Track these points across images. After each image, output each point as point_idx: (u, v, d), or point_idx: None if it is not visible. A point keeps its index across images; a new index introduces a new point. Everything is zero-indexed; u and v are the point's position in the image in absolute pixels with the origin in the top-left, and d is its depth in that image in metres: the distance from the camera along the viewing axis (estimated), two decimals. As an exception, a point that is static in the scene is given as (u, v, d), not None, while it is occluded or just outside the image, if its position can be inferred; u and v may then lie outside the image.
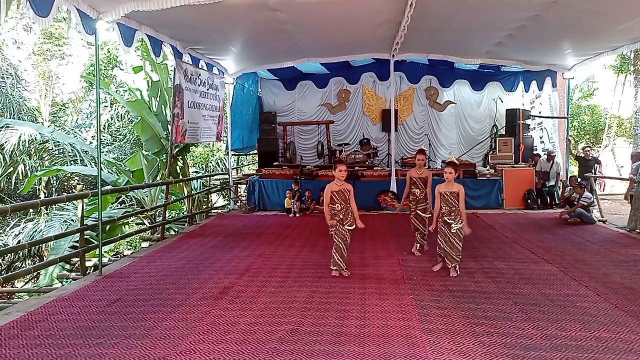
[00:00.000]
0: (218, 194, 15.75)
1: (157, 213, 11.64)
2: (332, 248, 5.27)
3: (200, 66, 9.42)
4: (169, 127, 10.40)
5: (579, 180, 9.62)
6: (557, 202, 10.76)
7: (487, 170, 11.26)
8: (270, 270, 5.61)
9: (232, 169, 12.51)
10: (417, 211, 6.22)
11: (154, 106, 13.05)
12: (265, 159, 12.73)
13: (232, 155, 12.51)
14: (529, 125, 12.38)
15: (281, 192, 10.84)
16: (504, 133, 12.54)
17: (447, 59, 10.74)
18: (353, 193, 5.33)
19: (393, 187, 10.54)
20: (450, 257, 5.22)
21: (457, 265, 5.24)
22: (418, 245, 6.32)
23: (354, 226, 5.27)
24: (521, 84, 13.18)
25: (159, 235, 8.60)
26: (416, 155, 6.25)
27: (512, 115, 12.09)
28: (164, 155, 12.12)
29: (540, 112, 12.52)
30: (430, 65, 13.15)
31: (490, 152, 12.59)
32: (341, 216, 5.21)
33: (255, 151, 14.02)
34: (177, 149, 12.15)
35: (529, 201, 10.44)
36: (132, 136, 18.26)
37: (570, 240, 7.15)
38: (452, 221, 5.16)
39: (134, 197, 13.73)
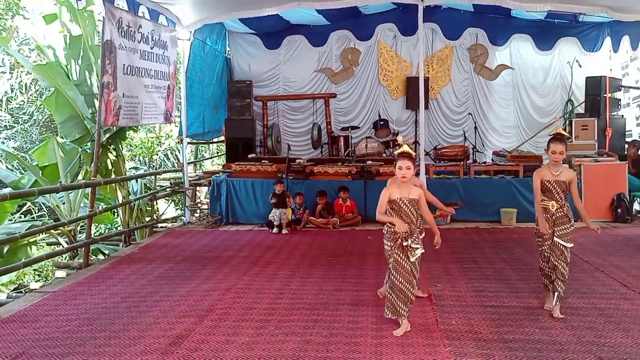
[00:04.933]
0: (168, 201, 15.69)
1: (78, 228, 11.59)
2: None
3: (140, 14, 9.39)
4: (96, 103, 10.36)
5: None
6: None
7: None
8: (243, 311, 5.58)
9: (188, 164, 12.49)
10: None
11: (73, 73, 12.99)
12: (236, 150, 12.74)
13: (188, 144, 12.50)
14: (620, 100, 12.42)
15: (260, 197, 10.83)
16: (582, 112, 12.58)
17: (501, 4, 10.73)
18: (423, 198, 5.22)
19: (422, 190, 10.53)
20: (402, 302, 4.94)
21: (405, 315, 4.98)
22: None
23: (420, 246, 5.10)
24: (608, 40, 13.23)
25: (81, 261, 8.56)
26: (549, 145, 5.64)
27: (595, 86, 12.14)
28: (89, 144, 12.08)
29: (637, 82, 12.57)
30: (476, 14, 13.20)
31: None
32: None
33: (222, 138, 14.02)
34: (107, 135, 12.11)
35: (619, 210, 10.46)
36: (41, 116, 18.19)
37: (679, 267, 7.15)
38: (417, 245, 4.96)
39: (44, 204, 13.67)
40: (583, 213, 5.54)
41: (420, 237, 5.06)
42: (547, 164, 5.51)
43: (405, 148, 4.99)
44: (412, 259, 4.94)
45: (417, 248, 4.95)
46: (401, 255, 4.95)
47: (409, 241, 4.92)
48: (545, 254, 5.41)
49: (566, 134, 5.51)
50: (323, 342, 4.70)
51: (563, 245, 5.32)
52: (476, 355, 4.39)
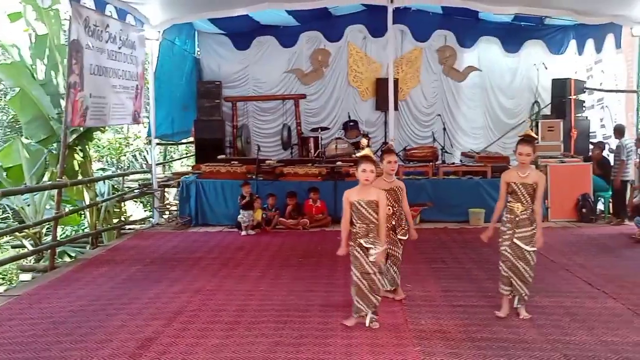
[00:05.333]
0: (136, 202, 15.54)
1: (43, 231, 11.42)
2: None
3: (108, 13, 9.28)
4: (62, 104, 10.22)
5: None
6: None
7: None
8: (212, 313, 5.56)
9: (157, 165, 12.39)
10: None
11: (39, 72, 12.82)
12: (205, 151, 12.66)
13: (157, 144, 12.39)
14: (584, 102, 12.64)
15: (229, 198, 10.77)
16: (548, 113, 12.77)
17: (469, 7, 10.86)
18: (405, 192, 5.86)
19: (392, 191, 10.60)
20: (366, 301, 5.06)
21: (375, 313, 5.10)
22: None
23: (407, 236, 5.80)
24: (573, 43, 13.48)
25: (47, 264, 8.44)
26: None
27: (561, 88, 12.35)
28: (55, 145, 11.91)
29: (601, 84, 12.81)
30: (445, 16, 13.33)
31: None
32: (393, 222, 5.66)
33: (191, 139, 13.93)
34: (74, 136, 11.95)
35: (584, 210, 10.64)
36: (6, 116, 17.89)
37: (642, 266, 7.31)
38: (371, 245, 5.03)
39: (8, 206, 13.45)
40: (538, 219, 5.32)
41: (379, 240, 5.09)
42: (516, 166, 5.48)
43: (367, 152, 5.17)
44: (370, 258, 5.01)
45: (370, 248, 4.99)
46: (360, 252, 5.04)
47: (362, 241, 5.03)
48: (506, 253, 5.34)
49: (534, 136, 5.50)
50: (293, 343, 4.70)
51: (524, 248, 5.27)
52: (445, 354, 4.42)
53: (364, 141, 11.47)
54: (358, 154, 5.39)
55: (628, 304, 5.66)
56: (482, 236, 5.60)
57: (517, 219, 5.29)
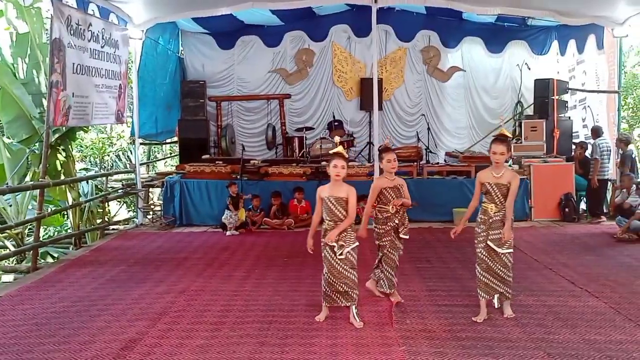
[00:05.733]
0: (120, 202, 15.45)
1: (26, 231, 11.32)
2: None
3: (90, 11, 9.22)
4: (44, 103, 10.14)
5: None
6: (604, 210, 11.11)
7: (509, 166, 11.50)
8: (197, 313, 5.55)
9: (141, 164, 12.33)
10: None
11: (20, 71, 12.71)
12: (189, 151, 12.62)
13: (141, 144, 12.32)
14: (567, 102, 12.75)
15: (214, 198, 10.76)
16: (531, 113, 12.87)
17: (453, 7, 10.91)
18: (406, 187, 5.91)
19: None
20: (338, 295, 5.16)
21: (354, 308, 5.16)
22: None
23: (408, 236, 5.88)
24: (555, 44, 13.60)
25: (30, 265, 8.37)
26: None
27: (544, 89, 12.42)
28: (37, 145, 11.82)
29: (583, 85, 12.91)
30: (428, 16, 13.38)
31: (513, 141, 12.87)
32: (396, 221, 5.73)
33: (175, 139, 13.87)
34: (56, 136, 11.86)
35: (566, 209, 10.74)
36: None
37: (624, 265, 7.37)
38: (335, 243, 5.12)
39: (-10, 207, 13.31)
40: (508, 213, 5.15)
41: (347, 237, 5.18)
42: (491, 166, 5.28)
43: (340, 149, 5.24)
44: (339, 257, 5.12)
45: (334, 246, 5.10)
46: (329, 251, 5.17)
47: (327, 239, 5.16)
48: (481, 255, 5.23)
49: (509, 135, 5.38)
50: (278, 343, 4.70)
51: (497, 251, 5.16)
52: (430, 353, 4.44)
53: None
54: (331, 151, 5.44)
55: (610, 302, 5.71)
56: (451, 232, 5.56)
57: (490, 220, 5.18)
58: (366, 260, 7.81)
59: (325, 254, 5.19)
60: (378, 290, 5.93)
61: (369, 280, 6.06)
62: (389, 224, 5.72)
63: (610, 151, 10.64)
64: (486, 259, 5.21)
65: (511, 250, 5.20)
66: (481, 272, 5.24)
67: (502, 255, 5.17)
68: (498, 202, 5.16)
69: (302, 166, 11.31)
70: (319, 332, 4.96)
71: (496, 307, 5.27)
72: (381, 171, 6.16)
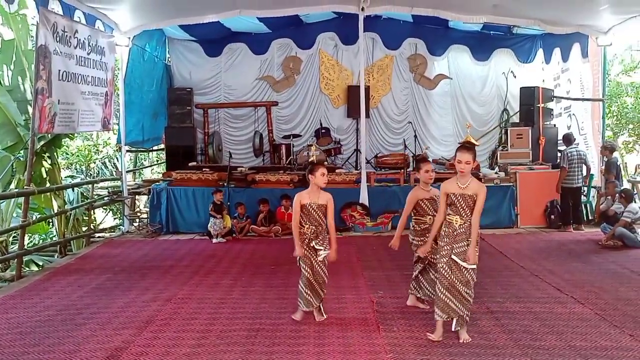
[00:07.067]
0: (106, 210, 15.36)
1: (10, 239, 11.22)
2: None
3: (76, 18, 9.18)
4: (30, 110, 10.08)
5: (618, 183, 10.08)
6: (589, 217, 11.20)
7: (495, 173, 11.58)
8: (184, 321, 5.53)
9: (127, 172, 12.27)
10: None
11: (5, 78, 12.62)
12: (176, 158, 12.59)
13: (127, 152, 12.27)
14: (552, 110, 12.85)
15: (201, 206, 10.74)
16: (517, 121, 12.95)
17: (439, 15, 10.99)
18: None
19: (363, 198, 10.65)
20: (316, 294, 5.41)
21: (321, 308, 5.51)
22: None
23: None
24: (540, 52, 13.72)
25: (14, 273, 8.30)
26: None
27: (529, 96, 12.52)
28: (22, 152, 11.73)
29: (568, 92, 13.03)
30: (415, 24, 13.46)
31: (500, 148, 12.95)
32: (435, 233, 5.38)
33: (162, 146, 13.83)
34: (42, 143, 11.78)
35: (552, 217, 10.81)
36: (-29, 123, 17.52)
37: (609, 272, 7.43)
38: (321, 247, 5.39)
39: (-26, 215, 13.18)
40: (473, 234, 4.79)
41: (327, 241, 5.43)
42: (456, 176, 4.95)
43: (323, 156, 5.47)
44: (319, 259, 5.37)
45: (320, 250, 5.34)
46: (310, 252, 5.39)
47: (313, 242, 5.38)
48: (443, 271, 4.89)
49: (475, 142, 4.99)
50: (265, 351, 4.69)
51: (461, 265, 4.82)
52: (417, 360, 4.45)
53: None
54: (311, 159, 5.70)
55: (596, 309, 5.76)
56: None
57: (454, 233, 4.87)
58: (354, 268, 7.84)
59: (308, 254, 5.39)
60: (421, 302, 5.86)
61: (409, 297, 5.98)
62: (427, 235, 5.55)
63: (580, 159, 10.57)
64: (447, 275, 4.85)
65: (474, 266, 4.84)
66: (442, 289, 4.88)
67: (465, 271, 4.81)
68: (463, 214, 4.84)
69: (289, 173, 11.30)
70: (306, 339, 4.95)
71: (453, 329, 4.90)
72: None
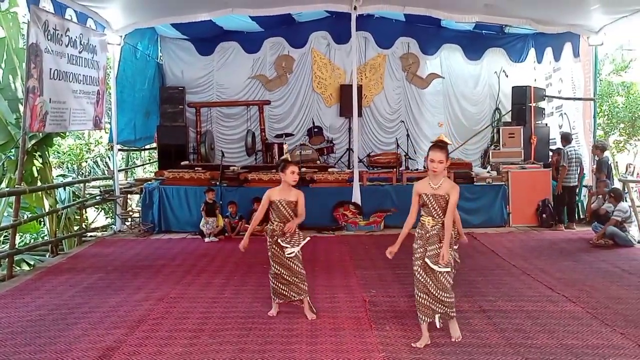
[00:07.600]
0: (97, 209, 15.31)
1: (1, 239, 11.17)
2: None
3: (68, 17, 9.15)
4: (21, 109, 10.04)
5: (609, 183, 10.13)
6: (581, 216, 11.25)
7: (487, 172, 11.61)
8: (176, 320, 5.52)
9: (119, 171, 12.23)
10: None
11: (-4, 77, 12.57)
12: (168, 157, 12.57)
13: (119, 150, 12.23)
14: (544, 109, 12.90)
15: (193, 205, 10.72)
16: (509, 120, 13.00)
17: (432, 14, 11.01)
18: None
19: (356, 197, 10.67)
20: (289, 290, 5.54)
21: (310, 304, 5.60)
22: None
23: (457, 245, 5.39)
24: (532, 51, 13.77)
25: (5, 273, 8.26)
26: (429, 153, 4.96)
27: (521, 96, 12.56)
28: (13, 151, 11.68)
29: (559, 92, 13.08)
30: (407, 23, 13.49)
31: (492, 147, 12.99)
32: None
33: (154, 145, 13.80)
34: (33, 142, 11.73)
35: (544, 215, 10.85)
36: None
37: (601, 270, 7.47)
38: (287, 244, 5.46)
39: (-36, 214, 13.13)
40: (446, 235, 4.69)
41: (296, 237, 5.55)
42: (428, 176, 4.89)
43: (296, 156, 5.55)
44: (286, 255, 5.48)
45: (287, 247, 5.46)
46: (277, 249, 5.51)
47: (280, 240, 5.49)
48: (417, 275, 4.81)
49: (447, 141, 4.87)
50: (258, 350, 4.68)
51: (433, 268, 4.70)
52: (409, 359, 4.45)
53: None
54: (283, 157, 5.94)
55: (587, 307, 5.78)
56: (387, 252, 5.11)
57: (427, 234, 4.79)
58: (346, 267, 7.84)
59: (274, 252, 5.53)
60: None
61: None
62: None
63: (578, 159, 10.75)
64: (422, 279, 4.76)
65: (449, 269, 4.71)
66: (418, 293, 4.80)
67: (439, 275, 4.68)
68: (436, 215, 4.76)
69: (281, 172, 11.28)
70: (299, 338, 4.95)
71: (437, 327, 4.84)
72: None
